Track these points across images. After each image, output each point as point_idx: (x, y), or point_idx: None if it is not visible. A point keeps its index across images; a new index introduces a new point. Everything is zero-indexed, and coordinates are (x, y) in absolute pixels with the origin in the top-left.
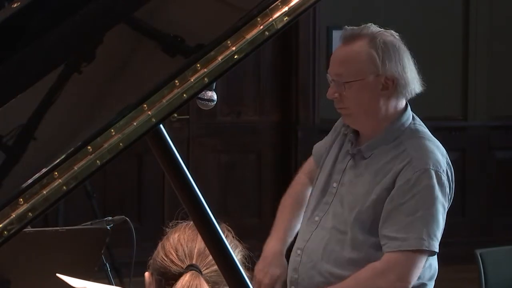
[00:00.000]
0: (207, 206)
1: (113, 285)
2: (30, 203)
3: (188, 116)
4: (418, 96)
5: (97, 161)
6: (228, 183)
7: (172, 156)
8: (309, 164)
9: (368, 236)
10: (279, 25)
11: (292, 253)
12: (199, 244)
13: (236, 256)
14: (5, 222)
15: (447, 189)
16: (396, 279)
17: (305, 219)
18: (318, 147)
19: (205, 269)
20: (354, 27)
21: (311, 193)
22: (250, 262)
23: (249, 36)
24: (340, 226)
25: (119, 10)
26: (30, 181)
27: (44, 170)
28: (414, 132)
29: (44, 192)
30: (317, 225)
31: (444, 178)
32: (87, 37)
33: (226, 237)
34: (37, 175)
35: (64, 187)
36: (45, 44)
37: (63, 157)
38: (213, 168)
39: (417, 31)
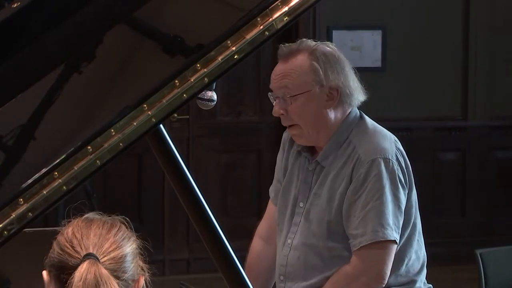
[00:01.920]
0: (206, 206)
1: None
2: (30, 203)
3: (188, 116)
4: (418, 96)
5: (97, 161)
6: (228, 183)
7: (172, 156)
8: (268, 215)
9: (344, 244)
10: (279, 25)
11: (276, 280)
12: (93, 234)
13: (130, 246)
14: (5, 222)
15: (400, 174)
16: (369, 279)
17: (280, 245)
18: (274, 188)
19: (103, 257)
20: (291, 44)
21: (280, 223)
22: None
23: (249, 36)
24: (310, 240)
25: (119, 10)
26: (30, 181)
27: (44, 170)
28: (360, 128)
29: (44, 192)
30: (290, 247)
31: (394, 163)
32: (87, 37)
33: (118, 230)
34: (37, 175)
35: (64, 187)
36: (45, 44)
37: (63, 157)
38: (213, 168)
39: (417, 31)
